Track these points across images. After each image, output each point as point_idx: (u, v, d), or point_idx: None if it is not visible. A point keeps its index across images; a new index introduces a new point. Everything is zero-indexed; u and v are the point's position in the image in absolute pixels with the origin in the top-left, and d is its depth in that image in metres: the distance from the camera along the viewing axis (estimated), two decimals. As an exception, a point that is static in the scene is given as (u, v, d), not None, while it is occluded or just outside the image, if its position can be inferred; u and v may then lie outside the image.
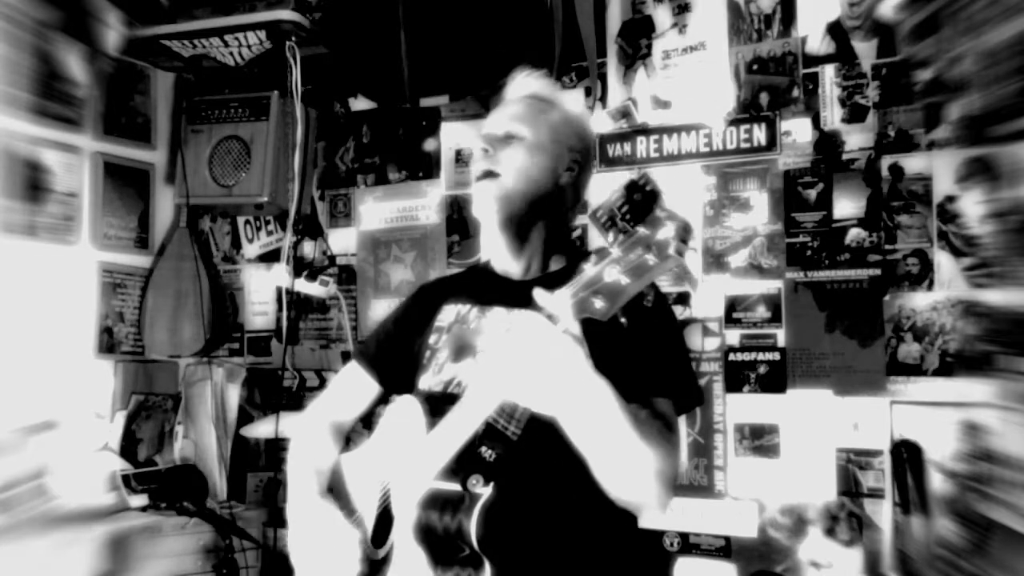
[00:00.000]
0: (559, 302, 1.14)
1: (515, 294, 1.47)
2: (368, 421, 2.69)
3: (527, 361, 1.15)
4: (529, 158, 1.48)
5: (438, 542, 1.28)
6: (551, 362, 1.15)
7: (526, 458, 1.31)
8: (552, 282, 1.39)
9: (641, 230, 1.10)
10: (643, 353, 1.38)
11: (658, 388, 1.38)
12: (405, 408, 1.47)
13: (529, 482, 1.34)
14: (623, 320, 1.25)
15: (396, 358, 1.62)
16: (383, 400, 1.67)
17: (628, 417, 1.21)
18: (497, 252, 1.58)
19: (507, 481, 1.27)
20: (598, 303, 1.11)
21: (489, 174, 1.48)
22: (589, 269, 1.12)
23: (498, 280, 1.57)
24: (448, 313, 1.57)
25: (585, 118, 1.63)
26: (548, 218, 1.52)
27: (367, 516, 1.49)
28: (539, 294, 1.17)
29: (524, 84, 1.60)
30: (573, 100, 1.64)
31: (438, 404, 1.42)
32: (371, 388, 1.66)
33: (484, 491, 1.25)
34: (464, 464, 1.29)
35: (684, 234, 1.08)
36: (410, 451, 1.38)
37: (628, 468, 1.25)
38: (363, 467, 1.55)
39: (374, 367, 1.65)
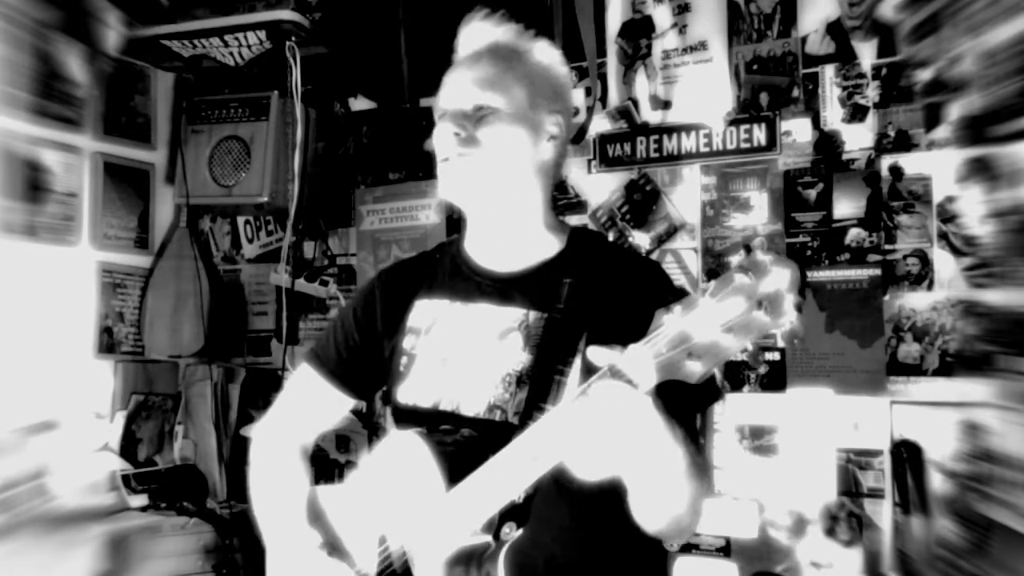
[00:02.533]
0: (639, 364, 0.96)
1: (503, 289, 1.33)
2: (368, 420, 2.71)
3: (606, 435, 0.98)
4: (508, 132, 1.29)
5: None
6: (635, 434, 0.99)
7: (555, 494, 1.15)
8: (544, 275, 1.30)
9: (739, 277, 0.91)
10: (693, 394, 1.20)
11: (696, 402, 1.24)
12: (399, 444, 1.26)
13: (558, 516, 1.23)
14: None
15: (361, 364, 1.44)
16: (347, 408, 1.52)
17: (688, 460, 1.09)
18: (474, 238, 1.40)
19: (536, 519, 1.14)
20: (694, 366, 0.93)
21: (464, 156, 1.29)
22: (673, 323, 0.94)
23: (478, 271, 1.37)
24: (423, 312, 1.38)
25: (560, 67, 1.40)
26: (533, 197, 1.34)
27: (366, 568, 1.28)
28: (604, 354, 0.98)
29: (482, 32, 1.36)
30: (542, 47, 1.37)
31: (435, 429, 1.27)
32: (336, 399, 1.48)
33: (515, 535, 1.11)
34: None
35: (798, 285, 0.91)
36: (427, 508, 1.18)
37: (674, 506, 1.15)
38: (353, 508, 1.33)
39: (337, 377, 1.46)
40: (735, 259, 0.93)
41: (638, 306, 1.12)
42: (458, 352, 1.32)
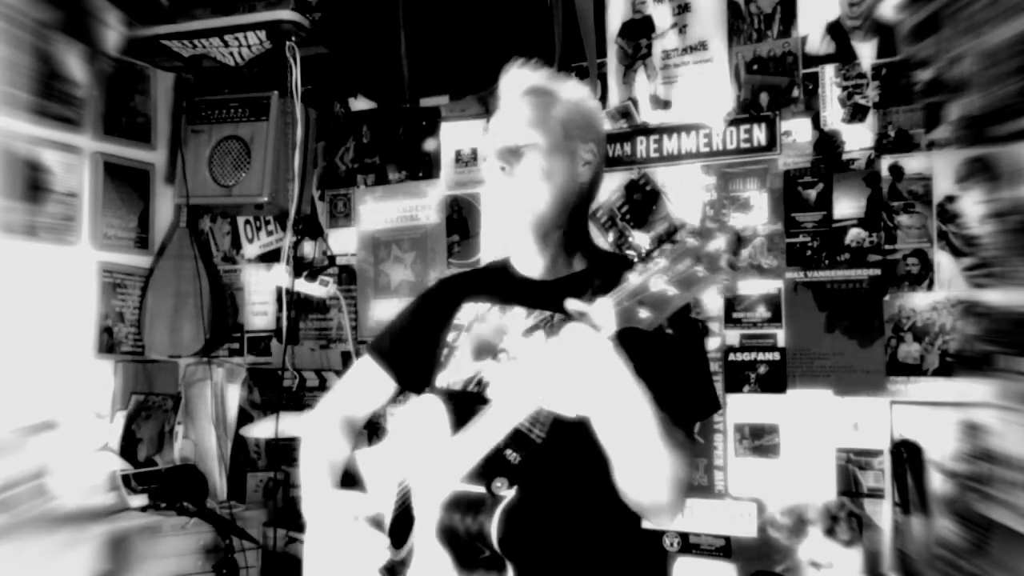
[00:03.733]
0: (602, 311, 1.12)
1: (537, 294, 1.48)
2: (372, 428, 2.71)
3: (573, 370, 1.13)
4: (548, 165, 1.45)
5: (460, 544, 1.28)
6: (597, 371, 1.14)
7: (549, 461, 1.32)
8: (576, 283, 1.42)
9: (690, 240, 1.07)
10: (671, 363, 1.34)
11: (685, 398, 1.36)
12: (425, 406, 1.45)
13: (551, 485, 1.33)
14: (669, 331, 1.25)
15: (412, 354, 1.60)
16: (396, 397, 1.66)
17: (659, 424, 1.21)
18: (518, 252, 1.56)
19: (530, 484, 1.27)
20: (644, 313, 1.09)
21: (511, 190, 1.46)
22: (634, 278, 1.10)
23: (519, 280, 1.54)
24: (468, 311, 1.55)
25: (590, 101, 1.58)
26: (571, 218, 1.50)
27: (386, 515, 1.47)
28: (576, 304, 1.14)
29: (520, 78, 1.54)
30: (572, 86, 1.55)
31: (458, 402, 1.42)
32: (386, 384, 1.64)
33: (508, 493, 1.25)
34: (489, 467, 1.28)
35: (736, 246, 1.06)
36: (433, 452, 1.36)
37: (651, 473, 1.25)
38: (381, 465, 1.53)
39: (389, 363, 1.63)
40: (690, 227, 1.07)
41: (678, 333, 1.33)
42: (491, 345, 1.49)
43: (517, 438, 1.28)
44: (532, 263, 1.53)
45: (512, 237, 1.53)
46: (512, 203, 1.46)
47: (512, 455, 1.29)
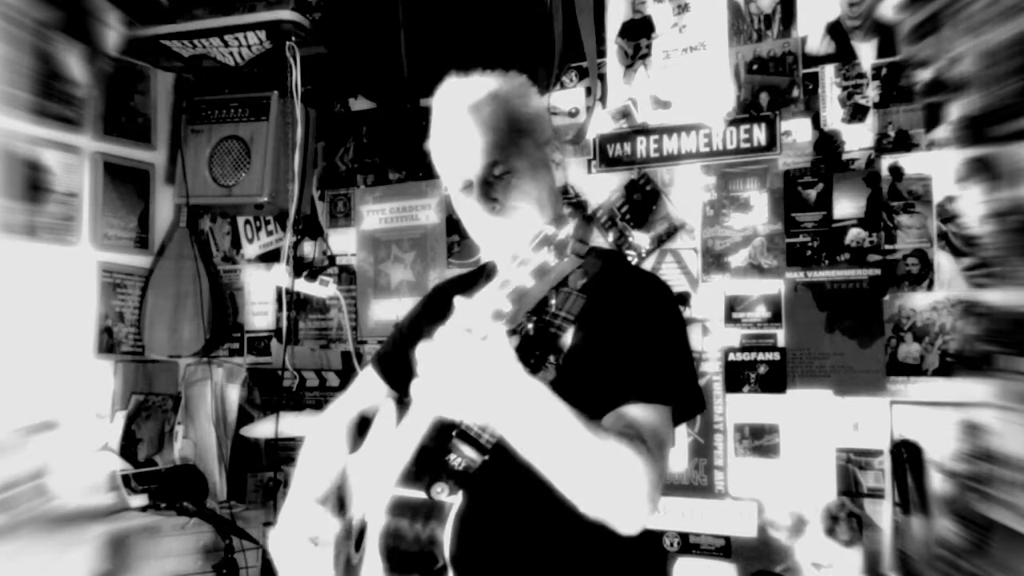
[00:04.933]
0: (475, 308, 1.07)
1: None
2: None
3: (449, 374, 1.08)
4: (531, 185, 1.37)
5: (405, 550, 1.24)
6: (473, 372, 1.07)
7: (501, 466, 1.22)
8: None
9: (547, 227, 1.04)
10: (619, 356, 1.27)
11: (631, 392, 1.25)
12: (385, 410, 1.46)
13: (504, 491, 1.25)
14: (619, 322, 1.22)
15: (406, 363, 1.51)
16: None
17: (579, 422, 1.12)
18: (500, 256, 1.47)
19: (481, 490, 1.23)
20: (505, 307, 1.05)
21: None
22: (503, 274, 1.06)
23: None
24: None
25: (533, 94, 1.47)
26: (549, 217, 1.39)
27: (356, 519, 1.46)
28: (459, 301, 1.10)
29: (460, 91, 1.41)
30: (513, 86, 1.43)
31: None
32: (380, 386, 1.63)
33: (452, 500, 1.21)
34: (431, 471, 1.25)
35: (583, 232, 1.05)
36: (376, 456, 1.38)
37: (586, 479, 1.14)
38: (360, 469, 1.54)
39: (384, 372, 1.62)
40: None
41: (627, 329, 1.30)
42: None
43: (466, 440, 1.24)
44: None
45: (501, 258, 1.44)
46: (507, 239, 1.32)
47: (456, 460, 1.25)
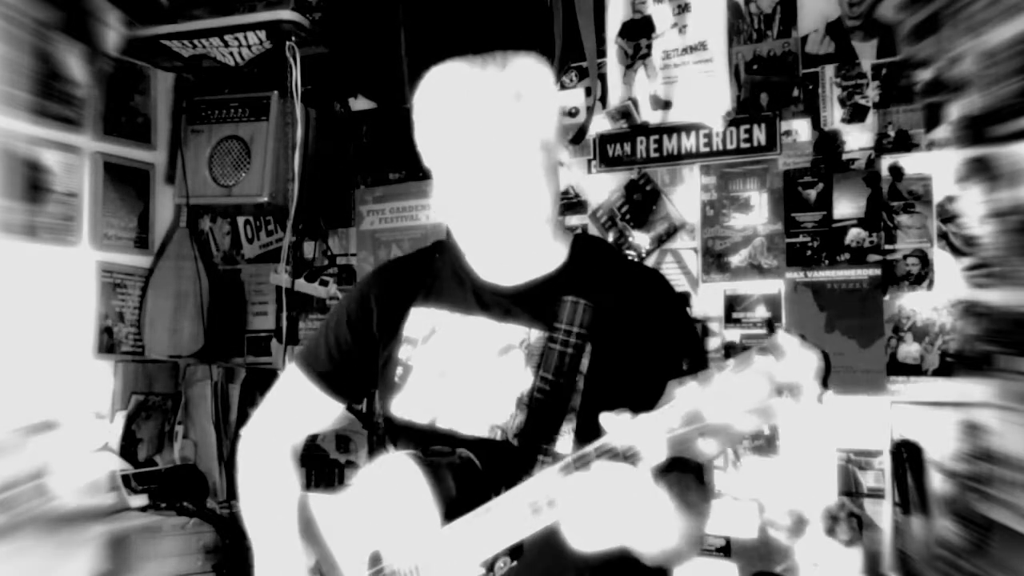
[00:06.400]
0: (646, 434, 0.94)
1: (502, 303, 1.30)
2: (369, 420, 2.71)
3: (603, 513, 0.96)
4: (543, 190, 1.24)
5: None
6: (631, 512, 0.96)
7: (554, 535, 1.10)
8: (546, 290, 1.27)
9: (758, 358, 0.88)
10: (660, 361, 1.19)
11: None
12: (396, 467, 1.21)
13: (551, 547, 1.12)
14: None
15: (353, 369, 1.40)
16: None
17: (688, 526, 1.09)
18: (476, 246, 1.31)
19: (529, 550, 1.11)
20: (706, 446, 0.91)
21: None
22: (689, 398, 0.92)
23: (478, 282, 1.32)
24: (420, 320, 1.33)
25: (549, 83, 1.29)
26: (547, 212, 1.28)
27: None
28: (612, 419, 0.97)
29: (470, 80, 1.23)
30: (528, 72, 1.25)
31: (424, 440, 1.25)
32: (325, 403, 1.43)
33: (509, 566, 1.11)
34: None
35: (823, 374, 0.87)
36: (420, 532, 1.17)
37: (678, 557, 1.16)
38: (345, 522, 1.32)
39: (327, 381, 1.41)
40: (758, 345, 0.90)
41: (641, 322, 1.24)
42: (457, 367, 1.29)
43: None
44: (495, 261, 1.30)
45: (464, 225, 1.27)
46: (526, 243, 1.25)
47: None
